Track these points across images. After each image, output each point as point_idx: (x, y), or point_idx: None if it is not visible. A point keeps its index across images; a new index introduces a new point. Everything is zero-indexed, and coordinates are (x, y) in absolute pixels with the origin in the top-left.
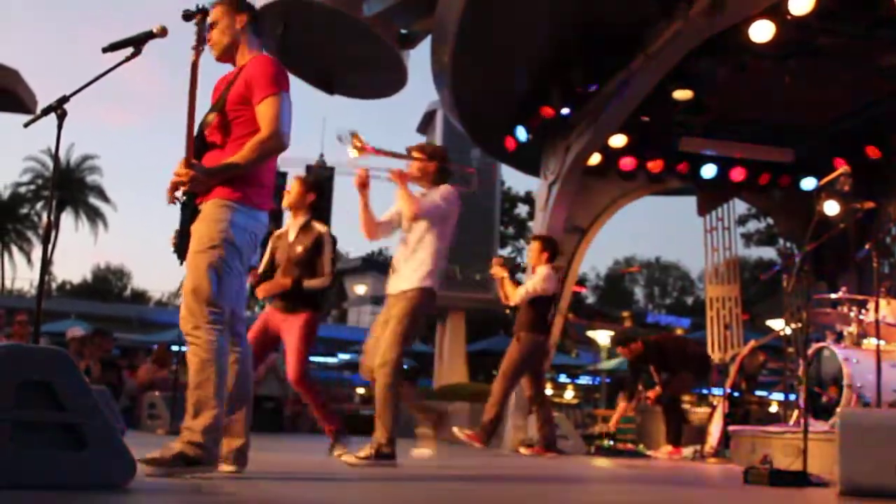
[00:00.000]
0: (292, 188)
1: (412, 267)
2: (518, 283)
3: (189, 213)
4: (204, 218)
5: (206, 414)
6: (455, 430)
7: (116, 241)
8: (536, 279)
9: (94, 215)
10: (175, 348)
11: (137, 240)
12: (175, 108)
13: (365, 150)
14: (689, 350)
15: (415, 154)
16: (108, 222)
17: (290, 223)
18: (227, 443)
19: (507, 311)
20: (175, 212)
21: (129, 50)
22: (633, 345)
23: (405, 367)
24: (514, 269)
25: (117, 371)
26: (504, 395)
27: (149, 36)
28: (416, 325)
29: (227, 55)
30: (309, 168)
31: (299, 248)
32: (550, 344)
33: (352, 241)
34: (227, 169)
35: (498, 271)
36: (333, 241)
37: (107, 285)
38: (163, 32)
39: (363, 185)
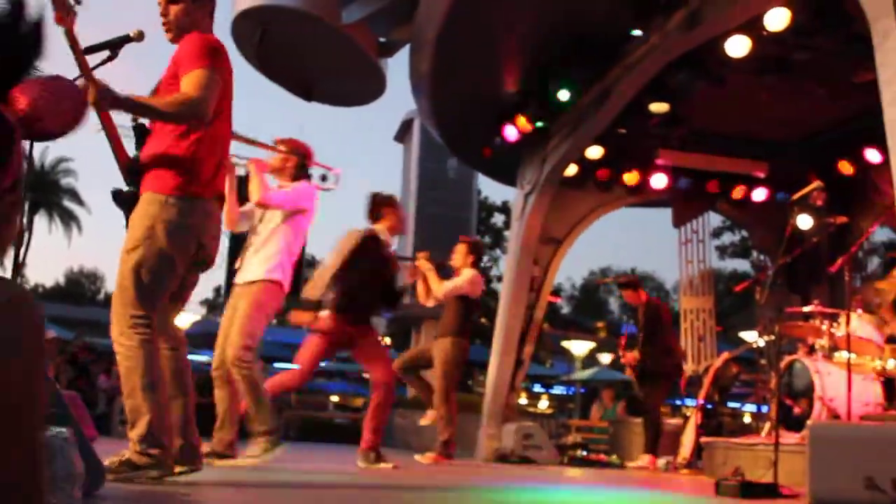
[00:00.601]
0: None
1: (260, 259)
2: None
3: (127, 203)
4: (135, 214)
5: (141, 422)
6: (417, 458)
7: (90, 244)
8: (463, 278)
9: (68, 218)
10: None
11: (111, 243)
12: None
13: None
14: (673, 341)
15: (280, 147)
16: (81, 225)
17: None
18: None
19: (483, 320)
20: None
21: (106, 53)
22: (642, 293)
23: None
24: (440, 267)
25: (88, 376)
26: (450, 406)
27: (126, 40)
28: (264, 317)
29: (177, 36)
30: None
31: None
32: (526, 354)
33: (328, 247)
34: (139, 103)
35: (423, 264)
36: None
37: (80, 289)
38: (139, 37)
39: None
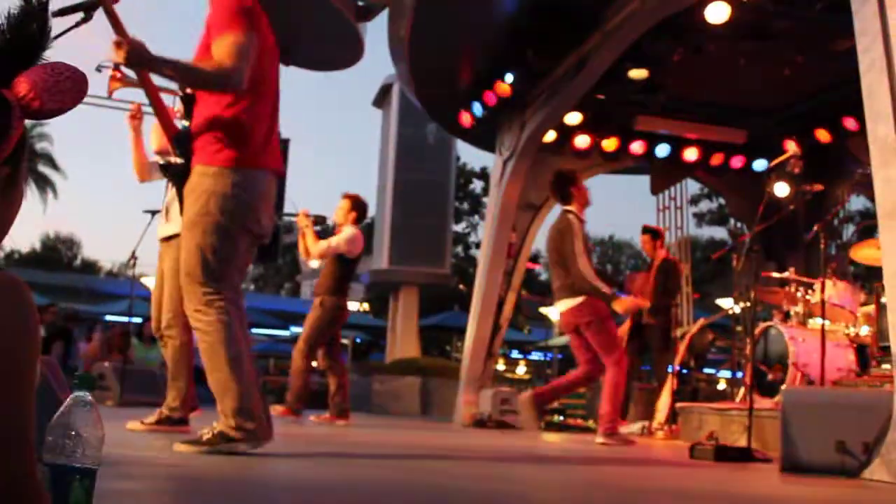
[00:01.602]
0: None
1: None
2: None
3: (178, 176)
4: (189, 190)
5: (230, 396)
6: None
7: (67, 210)
8: (341, 237)
9: (44, 183)
10: (123, 319)
11: (88, 208)
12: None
13: (127, 82)
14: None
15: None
16: (57, 190)
17: None
18: None
19: (462, 287)
20: (125, 186)
21: (80, 15)
22: (662, 244)
23: (358, 340)
24: (322, 224)
25: (69, 342)
26: (308, 363)
27: (99, 1)
28: None
29: None
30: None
31: None
32: (503, 320)
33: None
34: (172, 63)
35: (301, 220)
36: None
37: (56, 255)
38: None
39: (133, 118)
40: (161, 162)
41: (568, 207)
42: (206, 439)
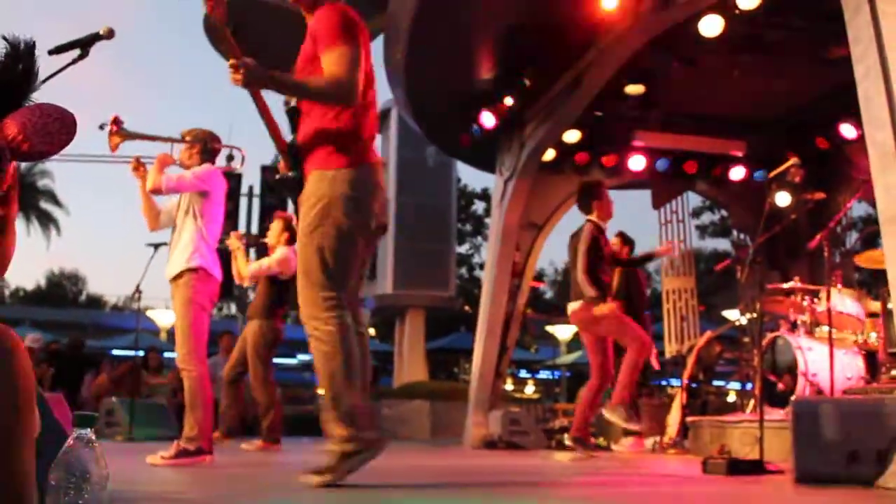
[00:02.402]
0: None
1: (179, 250)
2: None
3: (293, 189)
4: (306, 197)
5: (345, 408)
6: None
7: (70, 246)
8: (273, 258)
9: (46, 220)
10: (129, 353)
11: (92, 243)
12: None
13: (126, 136)
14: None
15: (186, 137)
16: (60, 227)
17: None
18: None
19: (467, 308)
20: (128, 220)
21: (77, 52)
22: (630, 251)
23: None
24: (258, 245)
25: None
26: (269, 389)
27: (95, 38)
28: (199, 311)
29: (303, 2)
30: (264, 168)
31: None
32: (510, 340)
33: None
34: (288, 81)
35: (233, 243)
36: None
37: (61, 291)
38: (109, 34)
39: (137, 171)
40: (276, 176)
41: (590, 217)
42: (328, 465)
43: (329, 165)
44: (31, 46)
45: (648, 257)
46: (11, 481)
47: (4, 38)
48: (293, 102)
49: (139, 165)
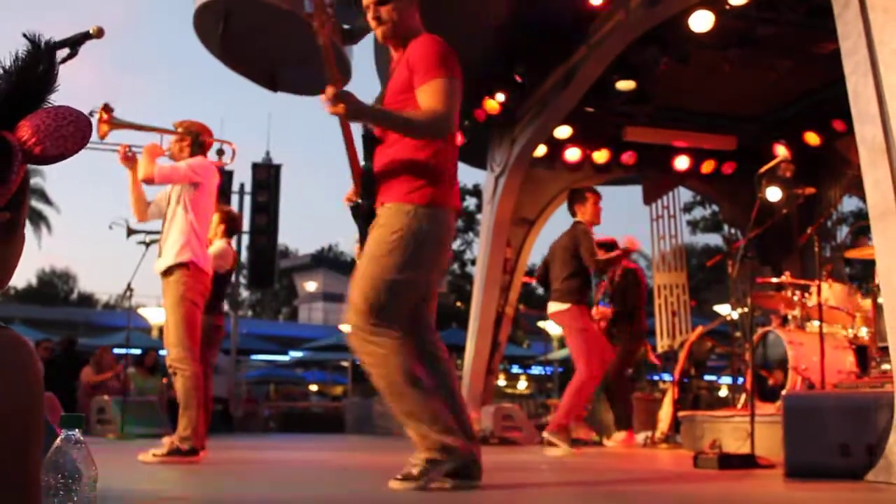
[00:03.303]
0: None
1: (170, 244)
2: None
3: (364, 217)
4: (380, 224)
5: (419, 421)
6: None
7: (61, 244)
8: (210, 251)
9: (37, 218)
10: (121, 351)
11: (83, 241)
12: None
13: (116, 125)
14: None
15: (178, 129)
16: (51, 225)
17: None
18: None
19: (459, 304)
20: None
21: (66, 51)
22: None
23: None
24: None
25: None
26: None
27: (85, 37)
28: (191, 306)
29: (395, 36)
30: (255, 165)
31: None
32: (502, 336)
33: (301, 237)
34: (384, 115)
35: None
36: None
37: (52, 289)
38: (99, 33)
39: (126, 160)
40: (349, 205)
41: (577, 219)
42: (416, 472)
43: (408, 199)
44: (52, 46)
45: (618, 257)
46: (26, 481)
47: (25, 36)
48: (371, 128)
49: (128, 154)
